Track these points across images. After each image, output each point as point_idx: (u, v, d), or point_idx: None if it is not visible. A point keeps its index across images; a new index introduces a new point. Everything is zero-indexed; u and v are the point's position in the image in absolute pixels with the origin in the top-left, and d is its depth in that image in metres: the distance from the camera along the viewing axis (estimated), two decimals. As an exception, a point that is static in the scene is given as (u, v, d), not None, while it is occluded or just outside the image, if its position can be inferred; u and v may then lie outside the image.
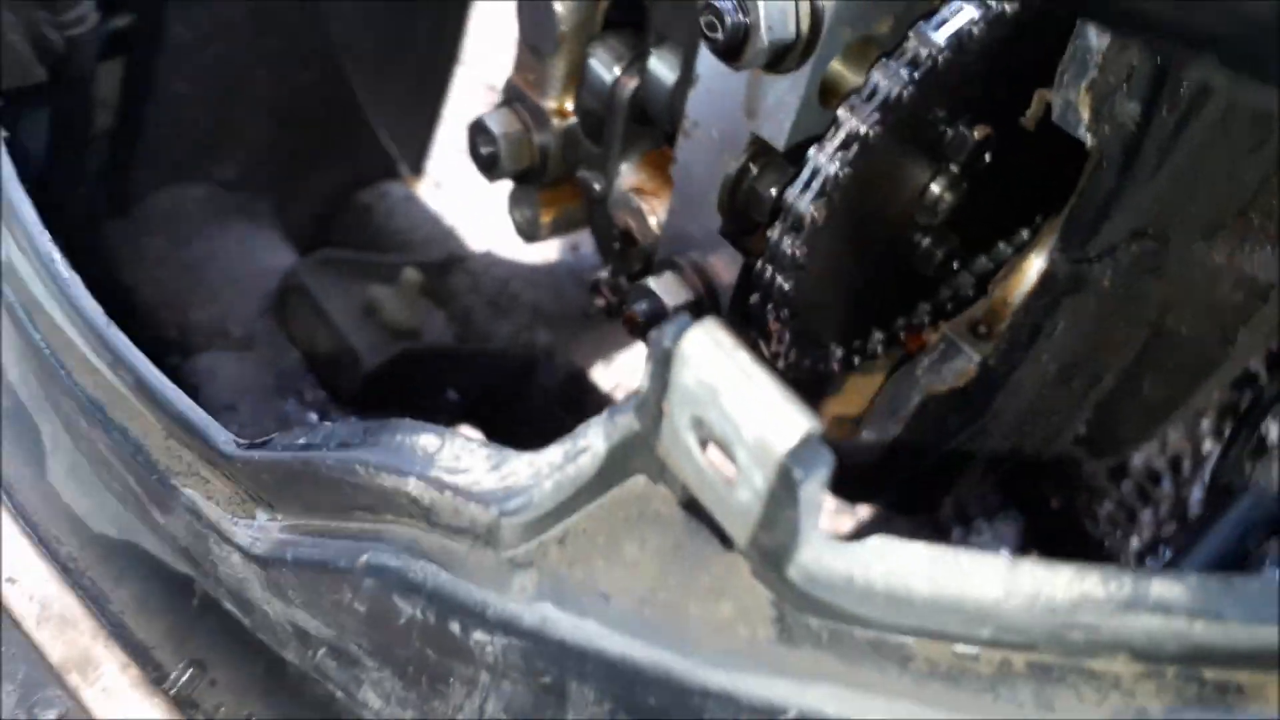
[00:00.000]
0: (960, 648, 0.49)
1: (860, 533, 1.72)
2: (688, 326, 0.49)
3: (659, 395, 0.50)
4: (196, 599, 0.82)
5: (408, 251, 1.91)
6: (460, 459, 0.60)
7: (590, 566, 0.56)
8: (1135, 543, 1.39)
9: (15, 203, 0.85)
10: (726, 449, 0.48)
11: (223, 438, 0.71)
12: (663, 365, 0.49)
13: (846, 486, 1.35)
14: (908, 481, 1.29)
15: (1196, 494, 1.65)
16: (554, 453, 0.57)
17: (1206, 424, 1.69)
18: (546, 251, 2.04)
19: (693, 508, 0.55)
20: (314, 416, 1.50)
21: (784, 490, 0.46)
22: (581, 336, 1.87)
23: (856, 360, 1.18)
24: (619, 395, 2.34)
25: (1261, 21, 0.38)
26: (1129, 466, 1.62)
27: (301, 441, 0.67)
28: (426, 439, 0.61)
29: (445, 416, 1.71)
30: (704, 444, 0.50)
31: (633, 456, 0.55)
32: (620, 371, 2.18)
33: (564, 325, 1.85)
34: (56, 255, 0.81)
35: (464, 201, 2.26)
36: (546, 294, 1.89)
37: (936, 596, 0.47)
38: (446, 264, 1.81)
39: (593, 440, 0.56)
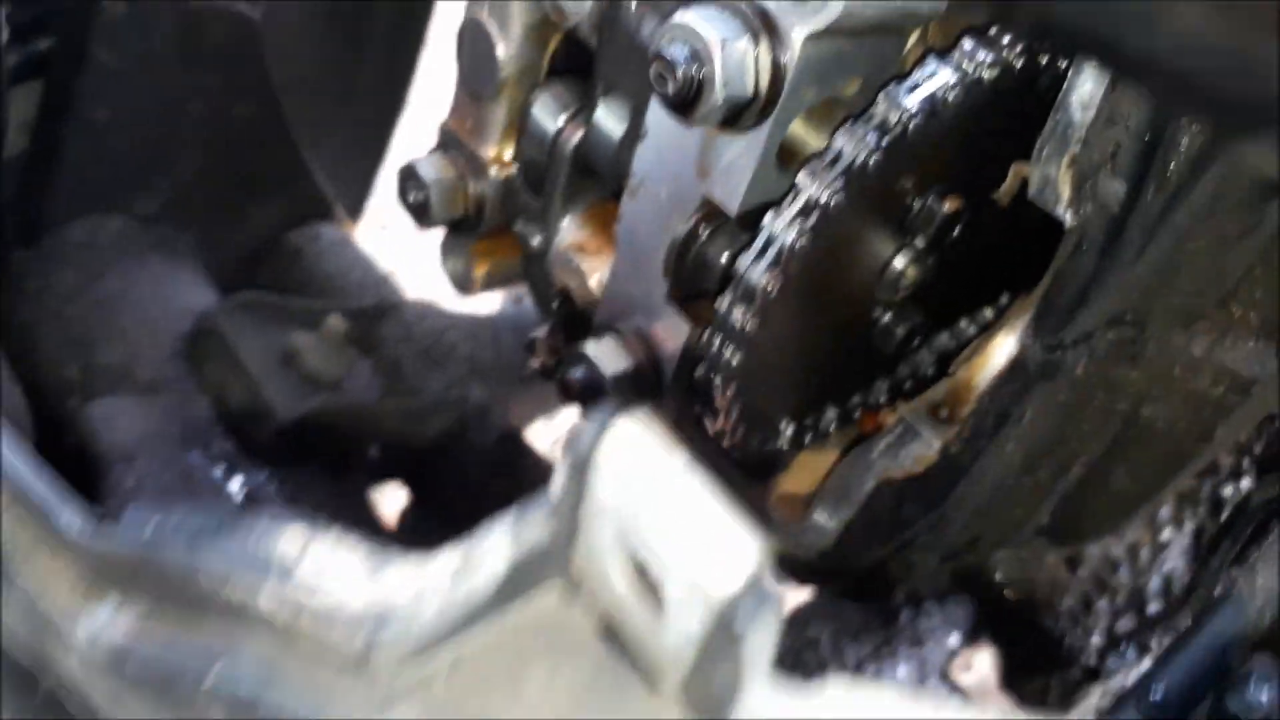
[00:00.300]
0: (930, 830, 0.40)
1: (803, 617, 1.62)
2: (609, 425, 0.40)
3: (574, 505, 0.41)
4: (39, 694, 0.71)
5: (338, 297, 1.80)
6: (328, 566, 0.50)
7: (485, 704, 0.46)
8: (1097, 639, 1.31)
9: None
10: (653, 577, 0.39)
11: (65, 517, 0.60)
12: (579, 470, 0.40)
13: (794, 571, 1.27)
14: (859, 569, 1.21)
15: (1155, 584, 1.58)
16: (445, 562, 0.47)
17: (1165, 512, 1.63)
18: (487, 301, 1.95)
19: (613, 632, 0.46)
20: (219, 471, 1.38)
21: (723, 642, 0.37)
22: (519, 393, 1.77)
23: (807, 439, 1.10)
24: (557, 453, 2.24)
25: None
26: (1085, 553, 1.55)
27: (150, 528, 0.56)
28: (289, 540, 0.51)
29: (367, 475, 1.60)
30: (628, 564, 0.41)
31: (543, 566, 0.46)
32: (560, 431, 2.08)
33: (501, 380, 1.75)
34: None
35: (407, 246, 2.16)
36: (484, 347, 1.79)
37: (905, 774, 0.38)
38: (377, 311, 1.71)
39: (493, 550, 0.46)
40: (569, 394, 0.99)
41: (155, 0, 1.61)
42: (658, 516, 0.38)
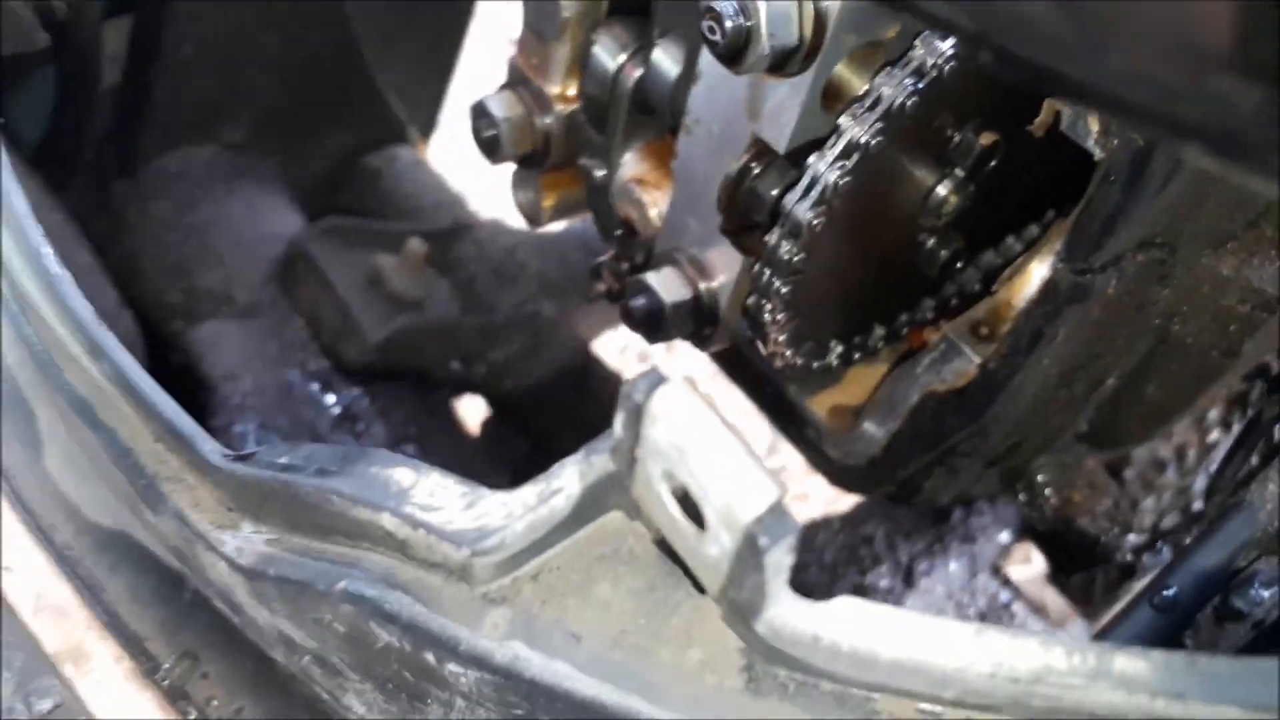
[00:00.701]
0: (924, 705, 0.50)
1: (858, 516, 1.72)
2: (658, 383, 0.49)
3: (632, 444, 0.50)
4: (189, 592, 0.84)
5: (416, 217, 1.90)
6: (434, 495, 0.60)
7: (563, 605, 0.56)
8: (1133, 538, 1.39)
9: (9, 195, 0.85)
10: (696, 505, 0.48)
11: (208, 447, 0.71)
12: (634, 418, 0.49)
13: (846, 477, 1.36)
14: (908, 474, 1.29)
15: (1200, 484, 1.65)
16: (527, 493, 0.57)
17: (1214, 415, 1.68)
18: (555, 219, 2.03)
19: (666, 547, 0.55)
20: (316, 388, 1.50)
21: (750, 555, 0.46)
22: (587, 307, 1.86)
23: (856, 356, 1.17)
24: (624, 361, 2.34)
25: (1249, 116, 0.37)
26: (1132, 455, 1.61)
27: (283, 461, 0.67)
28: (402, 473, 0.61)
29: (449, 387, 1.72)
30: (676, 494, 0.50)
31: (608, 494, 0.55)
32: (626, 342, 2.17)
33: (570, 296, 1.84)
34: (47, 250, 0.81)
35: (474, 166, 2.24)
36: (553, 263, 1.88)
37: (901, 660, 0.48)
38: (453, 232, 1.81)
39: (567, 481, 0.56)
40: (631, 321, 1.08)
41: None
42: (698, 458, 0.47)
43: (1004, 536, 1.71)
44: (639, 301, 1.07)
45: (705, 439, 0.47)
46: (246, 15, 1.74)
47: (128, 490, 0.76)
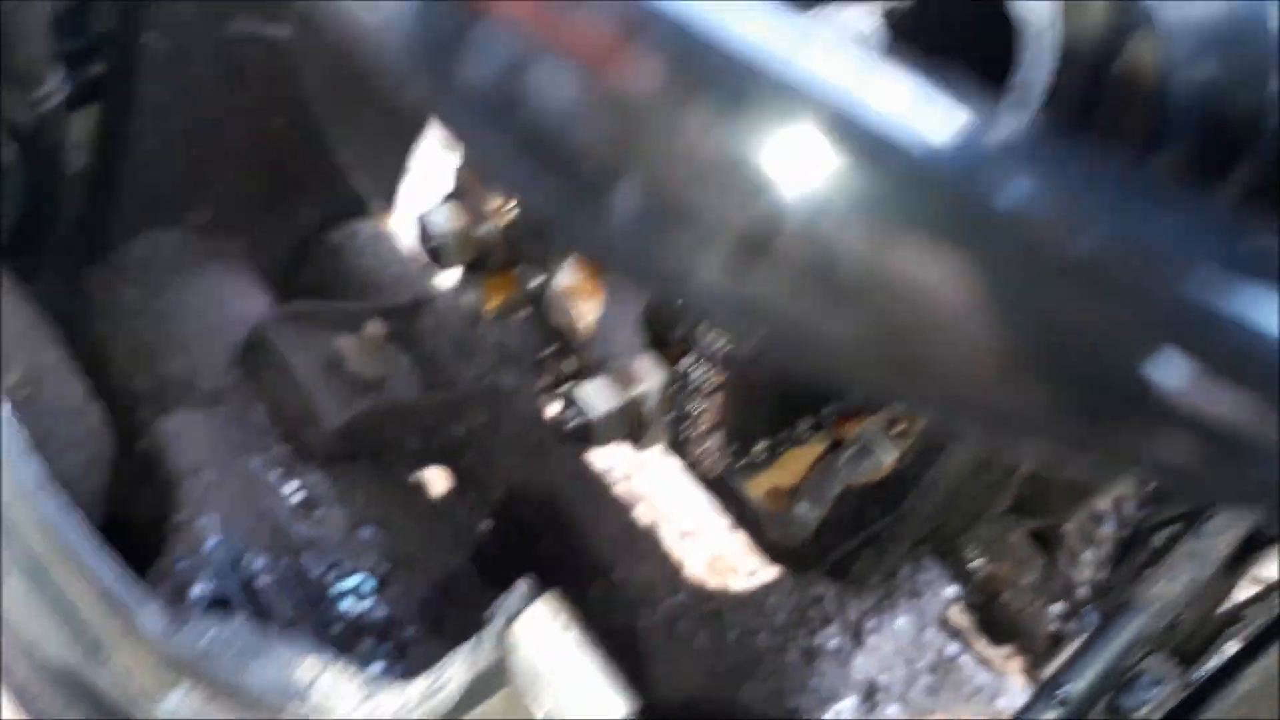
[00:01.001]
0: None
1: (808, 576, 1.77)
2: (525, 605, 0.55)
3: (504, 652, 0.56)
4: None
5: (377, 292, 1.96)
6: (334, 690, 0.66)
7: (456, 785, 0.62)
8: (1058, 608, 1.45)
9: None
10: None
11: (145, 614, 0.77)
12: (502, 636, 0.55)
13: (782, 556, 1.42)
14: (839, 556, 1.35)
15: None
16: (418, 687, 0.63)
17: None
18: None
19: (553, 724, 0.61)
20: (276, 476, 1.56)
21: (603, 771, 0.52)
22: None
23: (782, 450, 1.23)
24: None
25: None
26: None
27: (206, 641, 0.73)
28: (305, 668, 0.67)
29: (410, 464, 1.77)
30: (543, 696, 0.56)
31: (496, 677, 0.61)
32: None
33: (529, 365, 1.90)
34: None
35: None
36: (511, 333, 1.93)
37: None
38: (412, 307, 1.86)
39: (455, 672, 0.62)
40: (565, 437, 1.13)
41: (194, 33, 1.75)
42: (552, 683, 0.53)
43: (950, 590, 1.77)
44: (568, 416, 1.13)
45: (559, 664, 0.53)
46: (213, 108, 1.80)
47: (77, 644, 0.82)
